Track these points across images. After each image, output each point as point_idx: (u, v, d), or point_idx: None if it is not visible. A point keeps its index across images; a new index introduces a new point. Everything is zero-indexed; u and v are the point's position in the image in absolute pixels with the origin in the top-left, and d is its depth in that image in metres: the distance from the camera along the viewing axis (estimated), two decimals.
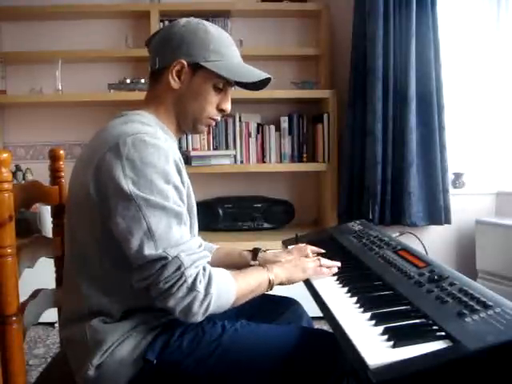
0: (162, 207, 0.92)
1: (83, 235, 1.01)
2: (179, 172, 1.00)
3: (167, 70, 1.08)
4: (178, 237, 0.92)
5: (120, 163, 0.92)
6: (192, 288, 0.90)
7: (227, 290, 0.98)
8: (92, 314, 1.01)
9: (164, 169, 0.94)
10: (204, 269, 0.94)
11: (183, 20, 1.12)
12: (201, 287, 0.91)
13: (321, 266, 1.19)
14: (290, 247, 1.39)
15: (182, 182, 1.01)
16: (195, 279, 0.91)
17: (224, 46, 1.11)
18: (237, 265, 1.31)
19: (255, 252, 1.33)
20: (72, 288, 1.07)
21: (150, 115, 1.09)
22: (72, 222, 1.05)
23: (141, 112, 1.09)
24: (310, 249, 1.33)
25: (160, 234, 0.91)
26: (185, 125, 1.14)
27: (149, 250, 0.90)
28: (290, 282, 1.14)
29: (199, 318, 0.93)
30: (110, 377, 0.98)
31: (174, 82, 1.08)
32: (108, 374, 0.98)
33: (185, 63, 1.07)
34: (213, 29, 1.11)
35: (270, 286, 1.09)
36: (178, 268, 0.90)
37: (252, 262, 1.31)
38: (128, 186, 0.91)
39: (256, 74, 1.13)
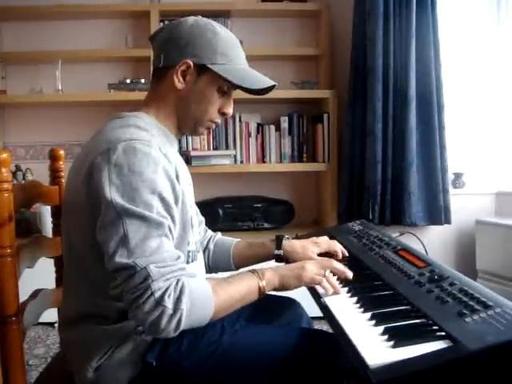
0: (142, 217, 0.89)
1: (77, 238, 1.00)
2: (171, 181, 0.97)
3: (172, 69, 1.06)
4: (153, 248, 0.89)
5: (107, 169, 0.91)
6: (160, 302, 0.86)
7: (203, 304, 0.93)
8: (90, 316, 1.01)
9: (151, 178, 0.92)
10: (177, 282, 0.89)
11: (191, 19, 1.09)
12: (169, 302, 0.87)
13: (324, 277, 1.08)
14: (319, 238, 1.30)
15: (176, 194, 0.98)
16: (164, 293, 0.87)
17: (231, 48, 1.08)
18: (259, 255, 1.28)
19: (278, 240, 1.28)
20: (70, 290, 1.08)
21: (148, 117, 1.08)
22: (67, 225, 1.04)
23: (139, 114, 1.08)
24: (335, 248, 1.28)
25: (135, 243, 0.88)
26: (185, 126, 1.12)
27: (120, 258, 0.88)
28: (283, 288, 1.08)
29: (170, 334, 0.89)
30: (109, 379, 0.98)
31: (178, 82, 1.06)
32: (107, 376, 0.98)
33: (191, 64, 1.05)
34: (221, 30, 1.08)
35: (261, 293, 1.03)
36: (145, 279, 0.86)
37: (276, 252, 1.25)
38: (111, 192, 0.90)
39: (261, 80, 1.11)
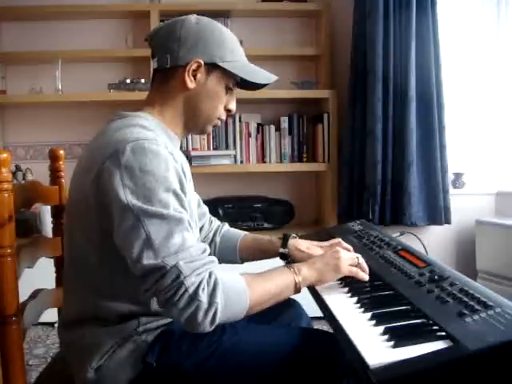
0: (161, 215, 0.89)
1: (82, 241, 1.00)
2: (180, 178, 0.97)
3: (181, 68, 1.06)
4: (178, 244, 0.89)
5: (119, 172, 0.90)
6: (194, 297, 0.86)
7: (238, 298, 0.92)
8: (91, 318, 1.00)
9: (164, 176, 0.92)
10: (210, 275, 0.89)
11: (193, 17, 1.09)
12: (203, 296, 0.87)
13: (357, 265, 1.09)
14: (324, 243, 1.26)
15: (184, 190, 0.97)
16: (197, 288, 0.87)
17: (236, 46, 1.11)
18: (266, 251, 1.28)
19: (285, 238, 1.26)
20: (71, 291, 1.07)
21: (152, 117, 1.07)
22: (71, 227, 1.04)
23: (142, 114, 1.07)
24: (344, 246, 1.25)
25: (160, 242, 0.88)
26: (195, 126, 1.13)
27: (147, 260, 0.87)
28: (321, 283, 1.07)
29: (207, 328, 0.89)
30: (109, 379, 0.98)
31: (190, 82, 1.06)
32: (107, 377, 0.98)
33: (202, 62, 1.06)
34: (224, 28, 1.11)
35: (297, 289, 1.02)
36: (177, 277, 0.86)
37: (281, 250, 1.25)
38: (126, 195, 0.89)
39: (266, 75, 1.14)
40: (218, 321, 0.89)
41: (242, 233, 1.34)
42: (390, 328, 0.84)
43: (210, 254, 0.95)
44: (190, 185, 1.12)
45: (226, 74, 1.08)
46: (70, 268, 1.07)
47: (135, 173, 0.90)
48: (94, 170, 0.94)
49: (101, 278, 0.98)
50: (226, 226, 1.37)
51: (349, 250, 1.25)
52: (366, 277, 1.09)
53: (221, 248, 1.32)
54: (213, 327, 0.90)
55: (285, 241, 1.26)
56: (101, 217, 0.94)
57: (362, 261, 1.11)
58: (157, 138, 0.97)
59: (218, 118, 1.13)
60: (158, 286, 0.88)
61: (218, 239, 1.33)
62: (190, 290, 0.86)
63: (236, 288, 0.93)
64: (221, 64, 1.07)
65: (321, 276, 1.06)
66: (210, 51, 1.06)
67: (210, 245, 1.32)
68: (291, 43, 3.05)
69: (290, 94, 2.87)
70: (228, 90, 1.11)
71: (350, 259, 1.09)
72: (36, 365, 2.13)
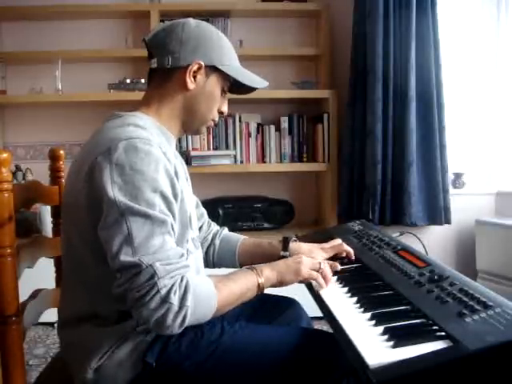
0: (145, 215, 0.90)
1: (77, 239, 1.00)
2: (171, 179, 0.97)
3: (182, 69, 1.08)
4: (158, 245, 0.90)
5: (109, 168, 0.92)
6: (165, 299, 0.87)
7: (206, 301, 0.94)
8: (89, 317, 1.00)
9: (153, 177, 0.92)
10: (182, 279, 0.90)
11: (192, 20, 1.12)
12: (175, 299, 0.88)
13: (319, 271, 1.10)
14: (325, 244, 1.29)
15: (175, 192, 0.98)
16: (169, 290, 0.87)
17: (231, 50, 1.15)
18: (266, 255, 1.27)
19: (285, 242, 1.27)
20: (69, 290, 1.07)
21: (147, 117, 1.08)
22: (66, 226, 1.04)
23: (138, 113, 1.08)
24: (345, 249, 1.27)
25: (140, 241, 0.88)
26: (190, 126, 1.15)
27: (125, 256, 0.88)
28: (282, 284, 1.09)
29: (175, 330, 0.90)
30: (108, 379, 0.98)
31: (191, 83, 1.08)
32: (107, 377, 0.98)
33: (203, 64, 1.08)
34: (221, 33, 1.15)
35: (260, 289, 1.05)
36: (151, 277, 0.87)
37: (282, 253, 1.25)
38: (114, 191, 0.90)
39: (258, 79, 1.18)
40: (187, 323, 0.90)
41: (242, 237, 1.35)
42: (390, 328, 0.84)
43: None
44: (186, 184, 1.12)
45: (223, 76, 1.12)
46: (66, 268, 1.07)
47: (125, 170, 0.91)
48: (87, 166, 0.95)
49: (98, 277, 0.98)
50: (226, 230, 1.37)
51: (350, 253, 1.27)
52: (324, 285, 1.09)
53: (220, 251, 1.32)
54: (181, 329, 0.91)
55: (285, 244, 1.27)
56: (93, 213, 0.94)
57: (324, 266, 1.11)
58: (150, 137, 0.98)
59: (213, 120, 1.16)
60: (131, 283, 0.88)
61: (217, 242, 1.33)
62: (162, 292, 0.87)
63: (205, 291, 0.95)
64: (220, 67, 1.10)
65: (282, 277, 1.08)
66: (209, 54, 1.09)
67: (209, 247, 1.32)
68: (291, 43, 3.05)
69: (289, 94, 2.87)
70: (223, 92, 1.15)
71: (311, 264, 1.11)
72: (36, 365, 2.13)
